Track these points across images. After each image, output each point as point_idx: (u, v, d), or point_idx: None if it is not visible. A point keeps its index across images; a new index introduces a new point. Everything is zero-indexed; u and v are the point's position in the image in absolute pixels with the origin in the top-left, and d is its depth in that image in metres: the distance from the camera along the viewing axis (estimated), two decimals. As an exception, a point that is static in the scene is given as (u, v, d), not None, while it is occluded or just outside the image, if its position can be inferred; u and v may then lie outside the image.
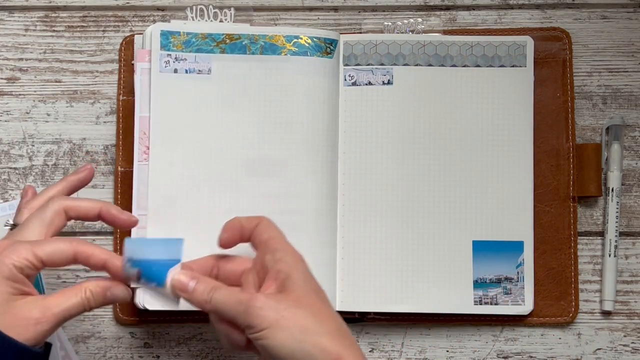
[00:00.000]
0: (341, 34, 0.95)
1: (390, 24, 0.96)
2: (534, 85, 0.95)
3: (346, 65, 0.95)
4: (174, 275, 0.79)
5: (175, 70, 0.92)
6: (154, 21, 0.97)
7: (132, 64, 0.94)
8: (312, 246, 0.90)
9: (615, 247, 0.95)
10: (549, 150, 0.95)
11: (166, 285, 0.79)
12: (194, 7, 0.94)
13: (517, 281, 0.93)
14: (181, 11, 0.96)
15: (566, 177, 0.95)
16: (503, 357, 0.95)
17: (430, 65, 0.95)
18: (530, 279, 0.93)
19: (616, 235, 0.95)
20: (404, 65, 0.95)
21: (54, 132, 0.96)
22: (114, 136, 0.96)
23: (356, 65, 0.95)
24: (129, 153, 0.93)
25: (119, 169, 0.94)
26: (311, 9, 0.98)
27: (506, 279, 0.93)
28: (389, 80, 0.94)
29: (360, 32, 0.97)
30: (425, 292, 0.93)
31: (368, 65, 0.95)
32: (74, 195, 0.88)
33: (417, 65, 0.95)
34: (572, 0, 0.98)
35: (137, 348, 0.94)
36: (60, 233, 0.82)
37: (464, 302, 0.93)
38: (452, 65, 0.95)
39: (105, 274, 0.79)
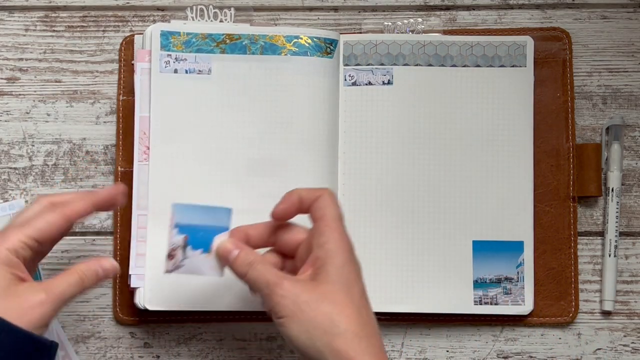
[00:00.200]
0: (341, 34, 0.95)
1: (390, 24, 0.96)
2: (534, 85, 0.95)
3: (346, 65, 0.95)
4: (220, 241, 0.80)
5: (176, 71, 0.92)
6: (154, 21, 0.97)
7: (132, 64, 0.94)
8: (312, 246, 0.90)
9: (615, 247, 0.95)
10: (549, 150, 0.95)
11: (211, 251, 0.81)
12: (194, 7, 0.94)
13: (517, 281, 0.93)
14: (181, 11, 0.96)
15: (566, 177, 0.95)
16: (503, 357, 0.95)
17: (430, 65, 0.95)
18: (530, 279, 0.93)
19: (616, 235, 0.95)
20: (404, 65, 0.95)
21: (54, 132, 0.96)
22: (114, 136, 0.96)
23: (356, 65, 0.95)
24: (129, 153, 0.93)
25: (119, 169, 0.94)
26: (311, 9, 0.98)
27: (506, 279, 0.93)
28: (389, 80, 0.94)
29: (360, 32, 0.97)
30: (425, 292, 0.93)
31: (368, 65, 0.95)
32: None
33: (417, 65, 0.95)
34: (572, 0, 0.98)
35: (137, 348, 0.94)
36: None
37: (464, 302, 0.93)
38: (452, 65, 0.95)
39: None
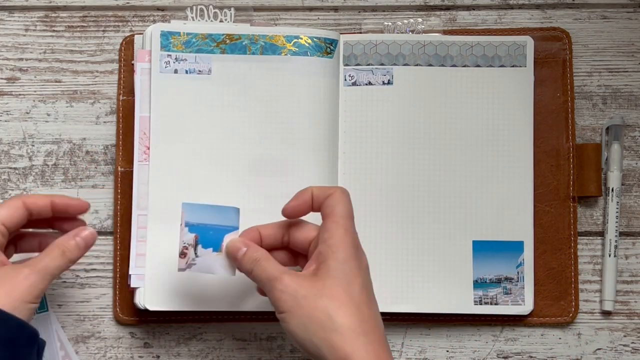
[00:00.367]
0: (341, 34, 0.95)
1: (390, 24, 0.96)
2: (534, 85, 0.95)
3: (346, 65, 0.95)
4: (230, 240, 0.82)
5: (176, 71, 0.92)
6: (154, 21, 0.97)
7: (132, 64, 0.94)
8: (312, 246, 0.90)
9: (615, 247, 0.95)
10: (549, 150, 0.95)
11: (222, 250, 0.82)
12: (194, 7, 0.94)
13: (517, 281, 0.93)
14: (181, 11, 0.96)
15: (566, 177, 0.95)
16: (503, 357, 0.95)
17: (430, 65, 0.95)
18: (530, 279, 0.93)
19: (616, 235, 0.95)
20: (404, 65, 0.95)
21: (54, 132, 0.96)
22: (114, 136, 0.96)
23: (356, 65, 0.95)
24: (129, 153, 0.93)
25: (119, 169, 0.94)
26: (311, 9, 0.98)
27: (506, 279, 0.93)
28: (389, 80, 0.94)
29: (360, 32, 0.97)
30: (425, 292, 0.93)
31: (368, 65, 0.95)
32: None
33: (417, 65, 0.95)
34: (572, 0, 0.98)
35: (137, 348, 0.94)
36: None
37: (464, 302, 0.93)
38: (452, 65, 0.95)
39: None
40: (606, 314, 0.95)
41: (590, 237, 0.96)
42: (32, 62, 0.97)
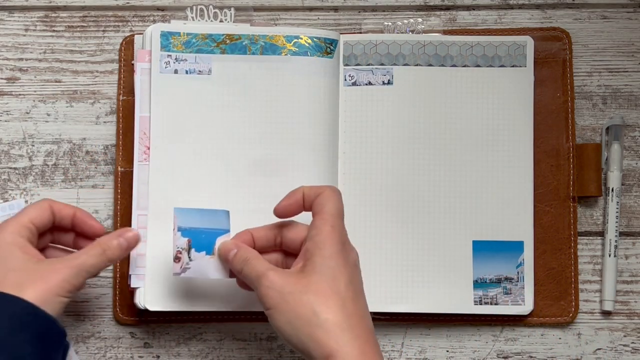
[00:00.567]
0: (341, 34, 0.95)
1: (390, 24, 0.96)
2: (534, 85, 0.95)
3: (346, 65, 0.95)
4: (222, 242, 0.83)
5: (176, 71, 0.92)
6: (154, 21, 0.97)
7: (132, 64, 0.94)
8: (312, 246, 0.90)
9: (615, 247, 0.95)
10: (549, 150, 0.95)
11: (214, 253, 0.83)
12: (194, 7, 0.94)
13: (517, 281, 0.93)
14: (181, 11, 0.96)
15: (566, 177, 0.95)
16: (503, 357, 0.95)
17: (430, 65, 0.95)
18: (530, 279, 0.93)
19: (616, 235, 0.95)
20: (404, 65, 0.95)
21: (54, 132, 0.96)
22: (114, 136, 0.96)
23: (356, 65, 0.95)
24: (129, 153, 0.93)
25: (119, 169, 0.94)
26: (311, 9, 0.98)
27: (506, 279, 0.93)
28: (389, 80, 0.94)
29: (360, 32, 0.97)
30: (425, 292, 0.93)
31: (368, 65, 0.95)
32: None
33: (417, 65, 0.95)
34: (572, 0, 0.98)
35: (137, 348, 0.94)
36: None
37: (464, 302, 0.93)
38: (452, 65, 0.95)
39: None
40: (606, 314, 0.95)
41: (590, 237, 0.96)
42: (32, 62, 0.97)
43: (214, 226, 0.84)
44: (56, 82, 0.97)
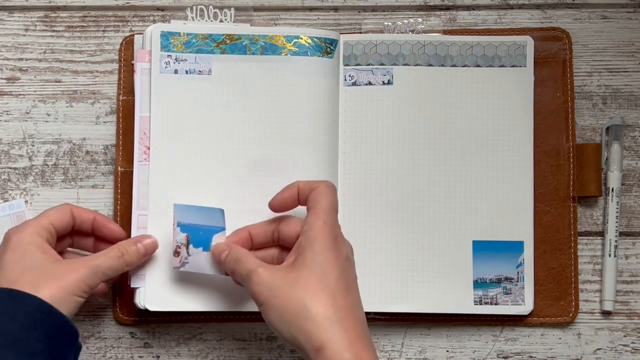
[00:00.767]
0: (341, 34, 0.95)
1: (390, 24, 0.96)
2: (534, 85, 0.95)
3: (346, 65, 0.95)
4: (216, 242, 0.85)
5: (176, 71, 0.92)
6: (154, 21, 0.97)
7: (132, 64, 0.94)
8: (312, 246, 0.90)
9: (615, 247, 0.95)
10: (549, 150, 0.95)
11: (211, 250, 0.85)
12: (194, 7, 0.94)
13: (517, 281, 0.93)
14: (181, 11, 0.96)
15: (566, 177, 0.95)
16: (503, 357, 0.95)
17: (430, 65, 0.95)
18: (530, 279, 0.93)
19: (616, 235, 0.95)
20: (404, 65, 0.95)
21: (54, 132, 0.96)
22: (114, 136, 0.96)
23: (356, 65, 0.95)
24: (129, 153, 0.93)
25: (119, 169, 0.94)
26: (311, 9, 0.98)
27: (506, 279, 0.93)
28: (389, 80, 0.94)
29: (360, 32, 0.97)
30: (425, 292, 0.93)
31: (368, 65, 0.95)
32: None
33: (417, 65, 0.95)
34: (572, 0, 0.98)
35: (137, 348, 0.94)
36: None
37: (464, 302, 0.93)
38: (452, 65, 0.95)
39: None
40: (606, 314, 0.95)
41: (590, 237, 0.96)
42: (32, 62, 0.97)
43: (211, 223, 0.86)
44: (56, 82, 0.97)
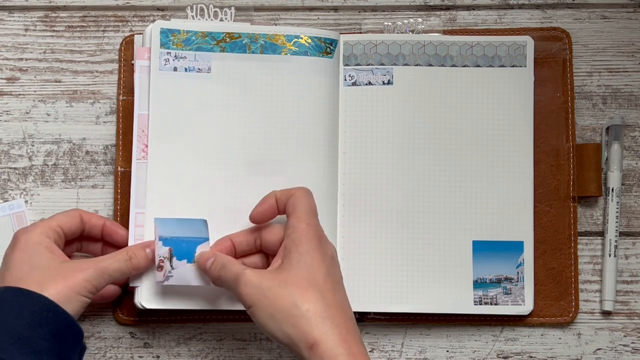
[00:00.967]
0: (341, 34, 0.95)
1: (390, 24, 0.96)
2: (534, 85, 0.95)
3: (346, 65, 0.95)
4: (200, 252, 0.85)
5: (175, 69, 0.92)
6: (154, 21, 0.97)
7: (132, 64, 0.94)
8: (312, 246, 0.90)
9: (615, 247, 0.95)
10: (549, 150, 0.95)
11: (195, 261, 0.85)
12: (195, 6, 0.94)
13: (517, 281, 0.93)
14: (181, 11, 0.96)
15: (566, 177, 0.95)
16: (503, 357, 0.95)
17: (430, 65, 0.95)
18: (530, 279, 0.93)
19: (616, 235, 0.95)
20: (404, 65, 0.95)
21: (53, 132, 0.96)
22: (113, 136, 0.96)
23: (356, 65, 0.95)
24: (128, 153, 0.93)
25: (119, 169, 0.94)
26: (311, 9, 0.98)
27: (506, 279, 0.93)
28: (389, 80, 0.94)
29: (360, 32, 0.97)
30: (425, 292, 0.93)
31: (368, 65, 0.95)
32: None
33: (417, 65, 0.95)
34: (572, 0, 0.98)
35: (137, 348, 0.94)
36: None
37: (464, 302, 0.93)
38: (452, 65, 0.95)
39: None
40: (606, 314, 0.95)
41: (590, 237, 0.96)
42: (32, 62, 0.97)
43: (194, 235, 0.86)
44: (56, 82, 0.97)
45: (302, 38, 0.93)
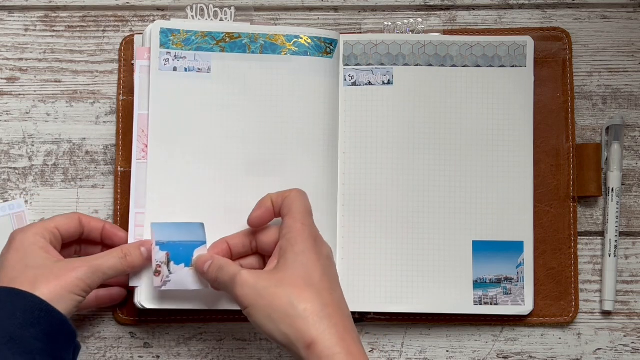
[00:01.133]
0: (341, 34, 0.95)
1: (390, 24, 0.96)
2: (534, 85, 0.95)
3: (346, 65, 0.95)
4: (197, 255, 0.85)
5: (175, 69, 0.92)
6: (154, 21, 0.97)
7: (132, 64, 0.94)
8: (312, 246, 0.90)
9: (615, 247, 0.95)
10: (549, 150, 0.95)
11: (193, 265, 0.85)
12: (195, 6, 0.94)
13: (517, 281, 0.93)
14: (181, 11, 0.96)
15: (566, 177, 0.95)
16: (503, 357, 0.95)
17: (430, 65, 0.95)
18: (530, 279, 0.93)
19: (616, 235, 0.95)
20: (404, 65, 0.95)
21: (53, 132, 0.96)
22: (113, 136, 0.96)
23: (356, 65, 0.95)
24: (128, 153, 0.93)
25: (119, 169, 0.94)
26: (311, 9, 0.98)
27: (506, 279, 0.93)
28: (389, 80, 0.94)
29: (360, 32, 0.97)
30: (425, 292, 0.93)
31: (368, 65, 0.95)
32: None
33: (417, 65, 0.95)
34: (572, 0, 0.98)
35: (137, 348, 0.94)
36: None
37: (464, 302, 0.93)
38: (452, 65, 0.95)
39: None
40: (606, 314, 0.95)
41: (590, 237, 0.96)
42: (32, 62, 0.97)
43: (191, 238, 0.86)
44: (56, 82, 0.97)
45: (302, 38, 0.93)
